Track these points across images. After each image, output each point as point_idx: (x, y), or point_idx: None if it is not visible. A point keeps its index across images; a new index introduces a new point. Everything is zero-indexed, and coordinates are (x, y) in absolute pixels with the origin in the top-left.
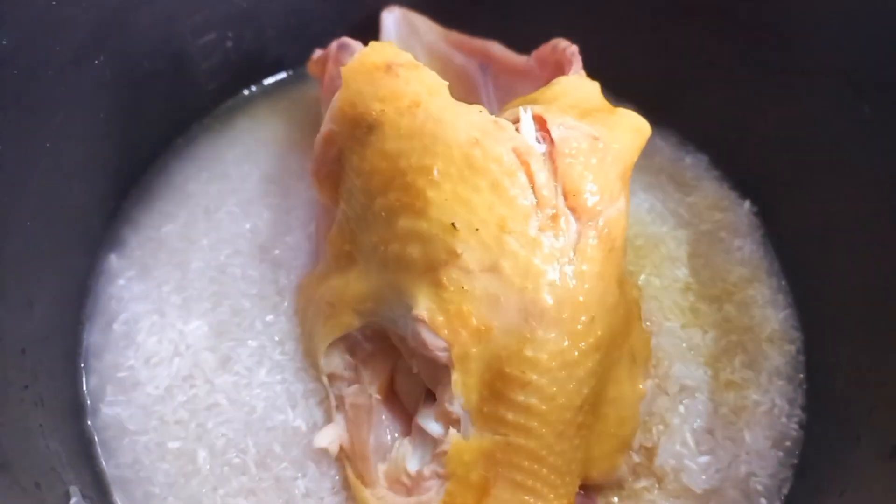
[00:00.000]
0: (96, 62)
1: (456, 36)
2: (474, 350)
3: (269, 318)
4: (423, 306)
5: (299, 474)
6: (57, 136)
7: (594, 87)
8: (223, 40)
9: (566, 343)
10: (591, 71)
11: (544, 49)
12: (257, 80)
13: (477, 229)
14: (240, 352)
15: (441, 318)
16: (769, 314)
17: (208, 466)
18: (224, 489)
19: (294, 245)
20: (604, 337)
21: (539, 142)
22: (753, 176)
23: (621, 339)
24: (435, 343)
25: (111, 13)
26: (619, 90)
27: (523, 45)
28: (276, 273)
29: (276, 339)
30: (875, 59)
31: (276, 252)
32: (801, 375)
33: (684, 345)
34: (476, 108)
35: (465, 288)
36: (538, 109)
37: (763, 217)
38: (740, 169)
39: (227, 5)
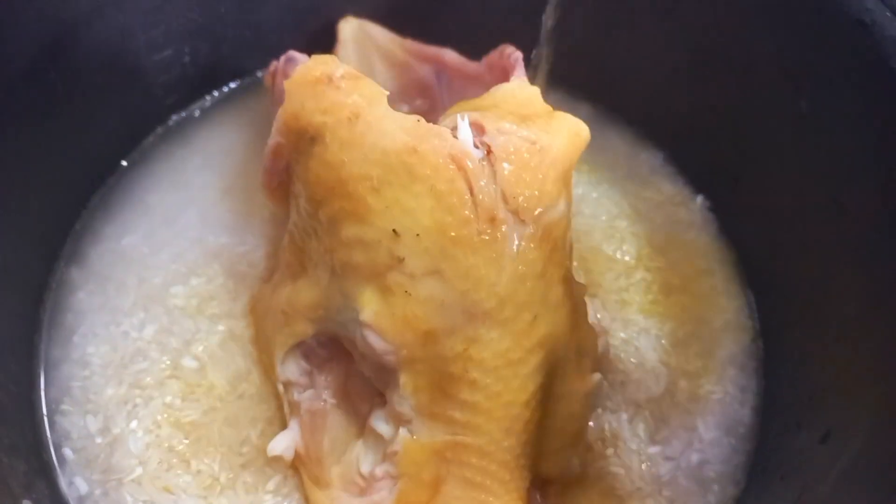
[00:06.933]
0: (48, 78)
1: (411, 44)
2: (420, 352)
3: (225, 326)
4: (369, 311)
5: (255, 476)
6: (9, 152)
7: (534, 92)
8: (180, 55)
9: (509, 342)
10: (545, 72)
11: (493, 55)
12: (215, 91)
13: (418, 235)
14: (197, 361)
15: (387, 323)
16: (724, 304)
17: (166, 472)
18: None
19: (253, 253)
20: (548, 335)
21: (477, 147)
22: (706, 171)
23: (567, 336)
24: (382, 347)
25: (62, 28)
26: (574, 91)
27: (480, 50)
28: (234, 282)
29: (233, 347)
30: (810, 55)
31: (236, 261)
32: (754, 364)
33: (639, 337)
34: (414, 117)
35: (409, 292)
36: (476, 115)
37: (717, 211)
38: (694, 164)
39: (182, 20)
